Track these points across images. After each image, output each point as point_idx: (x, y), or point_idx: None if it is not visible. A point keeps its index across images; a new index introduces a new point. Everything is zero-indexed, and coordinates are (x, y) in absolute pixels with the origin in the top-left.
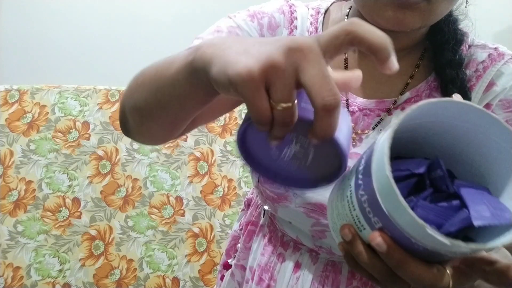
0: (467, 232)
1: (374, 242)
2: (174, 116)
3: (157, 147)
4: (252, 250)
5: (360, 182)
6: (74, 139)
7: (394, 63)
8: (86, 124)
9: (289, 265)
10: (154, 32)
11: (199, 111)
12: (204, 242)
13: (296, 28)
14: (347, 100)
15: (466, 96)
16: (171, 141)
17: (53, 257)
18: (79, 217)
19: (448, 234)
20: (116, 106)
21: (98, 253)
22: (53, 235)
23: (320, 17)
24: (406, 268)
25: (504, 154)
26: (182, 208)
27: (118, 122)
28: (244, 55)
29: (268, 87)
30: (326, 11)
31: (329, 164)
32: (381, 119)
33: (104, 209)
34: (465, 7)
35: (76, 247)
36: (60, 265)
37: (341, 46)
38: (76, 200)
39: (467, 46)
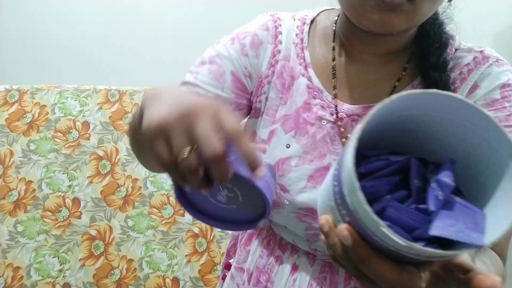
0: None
1: (340, 235)
2: (149, 161)
3: None
4: (251, 252)
5: (335, 172)
6: (74, 139)
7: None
8: (86, 124)
9: (287, 267)
10: (154, 32)
11: None
12: (204, 242)
13: (280, 43)
14: (336, 107)
15: None
16: None
17: (53, 257)
18: (79, 217)
19: (432, 239)
20: (116, 106)
21: (98, 253)
22: (53, 235)
23: (306, 28)
24: (369, 265)
25: (495, 156)
26: (182, 208)
27: (118, 122)
28: (155, 112)
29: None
30: (312, 22)
31: (257, 202)
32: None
33: (104, 209)
34: (451, 7)
35: (76, 247)
36: (60, 265)
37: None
38: (76, 200)
39: (454, 50)
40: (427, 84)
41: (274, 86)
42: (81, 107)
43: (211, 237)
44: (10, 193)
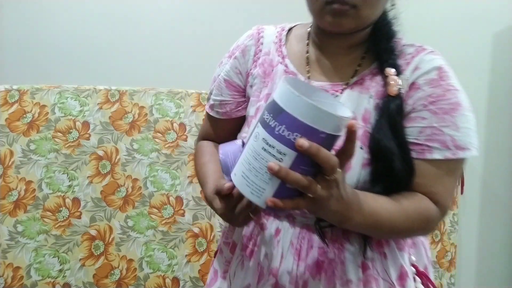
0: None
1: (300, 143)
2: None
3: (156, 147)
4: None
5: (273, 124)
6: (74, 139)
7: None
8: (86, 124)
9: (271, 231)
10: (153, 33)
11: None
12: (204, 242)
13: (262, 44)
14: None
15: (397, 70)
16: (171, 141)
17: (53, 257)
18: (79, 217)
19: None
20: (116, 106)
21: (98, 253)
22: (53, 235)
23: (284, 33)
24: (322, 152)
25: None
26: (182, 208)
27: (118, 122)
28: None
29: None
30: (290, 29)
31: None
32: (336, 96)
33: (104, 209)
34: (396, 10)
35: (76, 247)
36: (60, 265)
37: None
38: (76, 200)
39: (401, 45)
40: (381, 64)
41: (257, 74)
42: (81, 107)
43: (211, 237)
44: (10, 193)
